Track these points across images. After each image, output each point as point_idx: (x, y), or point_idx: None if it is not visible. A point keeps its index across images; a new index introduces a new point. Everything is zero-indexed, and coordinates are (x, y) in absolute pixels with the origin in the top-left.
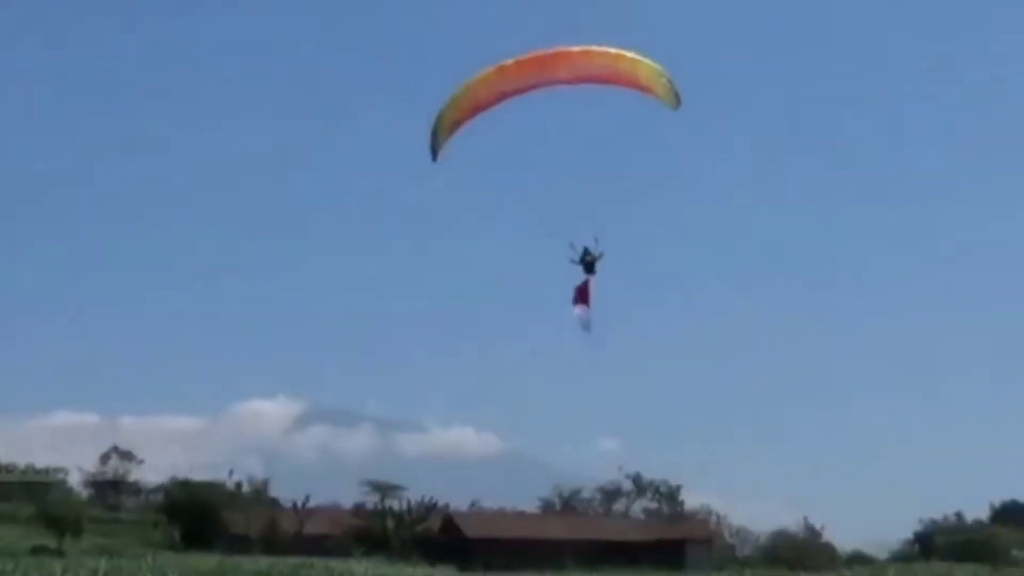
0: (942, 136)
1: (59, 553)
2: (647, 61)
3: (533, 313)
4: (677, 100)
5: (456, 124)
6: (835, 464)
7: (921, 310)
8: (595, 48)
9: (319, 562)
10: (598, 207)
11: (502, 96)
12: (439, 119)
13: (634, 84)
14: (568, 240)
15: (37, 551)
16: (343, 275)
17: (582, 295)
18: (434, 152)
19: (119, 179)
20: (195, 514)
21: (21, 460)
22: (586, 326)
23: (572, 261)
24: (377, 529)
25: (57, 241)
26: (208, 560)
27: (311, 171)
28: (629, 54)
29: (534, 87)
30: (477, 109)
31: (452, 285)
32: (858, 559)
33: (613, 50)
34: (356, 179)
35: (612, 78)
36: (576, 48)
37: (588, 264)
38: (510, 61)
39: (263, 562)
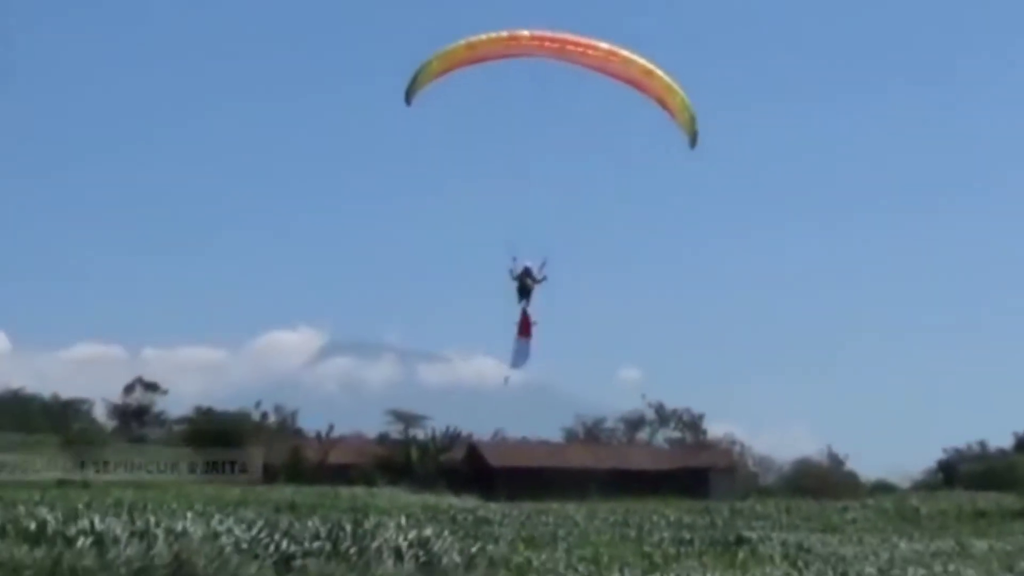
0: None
1: (84, 484)
2: (676, 88)
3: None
4: (694, 139)
5: (444, 72)
6: (859, 393)
7: (943, 238)
8: (624, 52)
9: (344, 491)
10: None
11: (505, 56)
12: (426, 65)
13: (657, 97)
14: (511, 254)
15: (62, 482)
16: (365, 206)
17: (523, 328)
18: (409, 95)
19: (141, 120)
20: (219, 444)
21: (46, 391)
22: (521, 360)
23: (511, 276)
24: (401, 459)
25: (79, 177)
26: (232, 490)
27: (336, 103)
28: (661, 73)
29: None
30: (470, 62)
31: (472, 217)
32: (881, 488)
33: (644, 61)
34: (381, 111)
35: (635, 82)
36: (604, 44)
37: (524, 289)
38: (525, 33)
39: (287, 491)
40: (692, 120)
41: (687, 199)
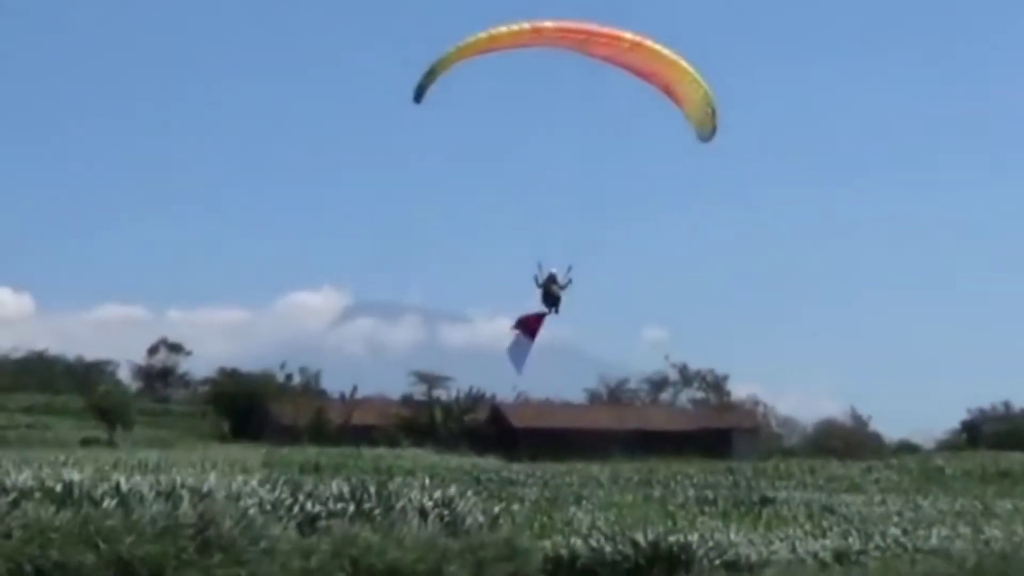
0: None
1: (109, 444)
2: (700, 82)
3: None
4: (712, 132)
5: (456, 61)
6: (883, 355)
7: (967, 197)
8: (649, 42)
9: (367, 452)
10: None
11: (519, 46)
12: (443, 58)
13: (673, 95)
14: (536, 260)
15: (87, 443)
16: (387, 168)
17: (530, 325)
18: (420, 91)
19: (164, 78)
20: (243, 405)
21: (70, 352)
22: (520, 360)
23: (536, 283)
24: (424, 420)
25: (102, 136)
26: (257, 450)
27: (357, 65)
28: (684, 65)
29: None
30: (484, 51)
31: (492, 177)
32: (905, 448)
33: (668, 52)
34: (408, 75)
35: (655, 78)
36: (628, 34)
37: (550, 296)
38: (550, 24)
39: (311, 452)
40: (713, 115)
41: (709, 159)
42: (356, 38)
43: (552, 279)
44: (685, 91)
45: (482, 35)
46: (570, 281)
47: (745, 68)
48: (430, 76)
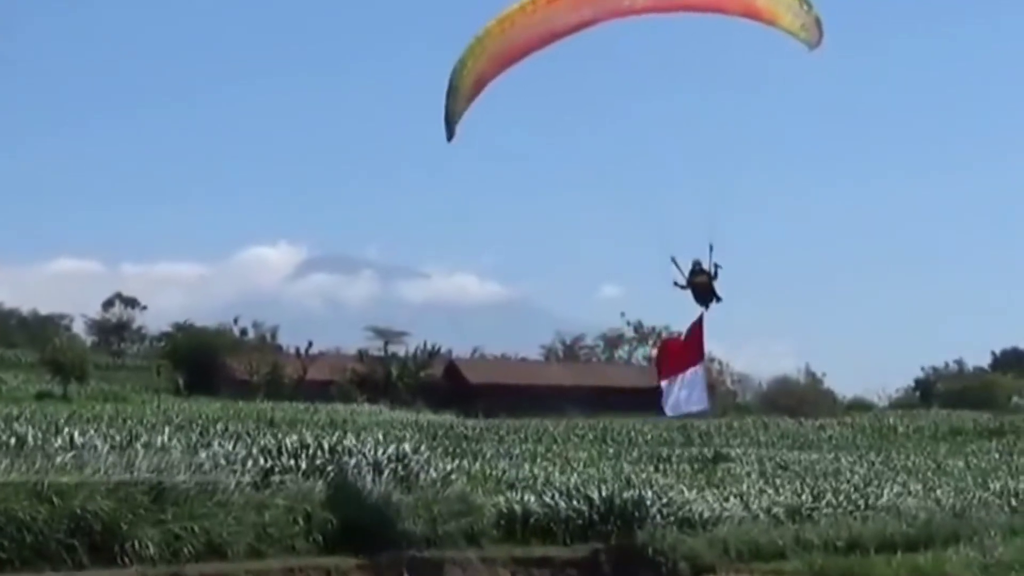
0: None
1: (64, 398)
2: None
3: (537, 160)
4: (818, 34)
5: (480, 85)
6: (838, 312)
7: (919, 156)
8: None
9: (323, 408)
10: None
11: (544, 40)
12: (455, 87)
13: (752, 13)
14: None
15: (42, 396)
16: (343, 119)
17: (682, 357)
18: (450, 127)
19: (131, 27)
20: (199, 360)
21: (25, 306)
22: (688, 404)
23: (676, 285)
24: (380, 375)
25: (55, 84)
26: (212, 405)
27: (318, 13)
28: None
29: (593, 21)
30: (510, 61)
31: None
32: (858, 406)
33: None
34: (374, 22)
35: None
36: None
37: (699, 287)
38: None
39: (266, 407)
40: (817, 21)
41: (673, 115)
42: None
43: (699, 269)
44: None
45: (481, 38)
46: (718, 266)
47: None
48: (451, 111)
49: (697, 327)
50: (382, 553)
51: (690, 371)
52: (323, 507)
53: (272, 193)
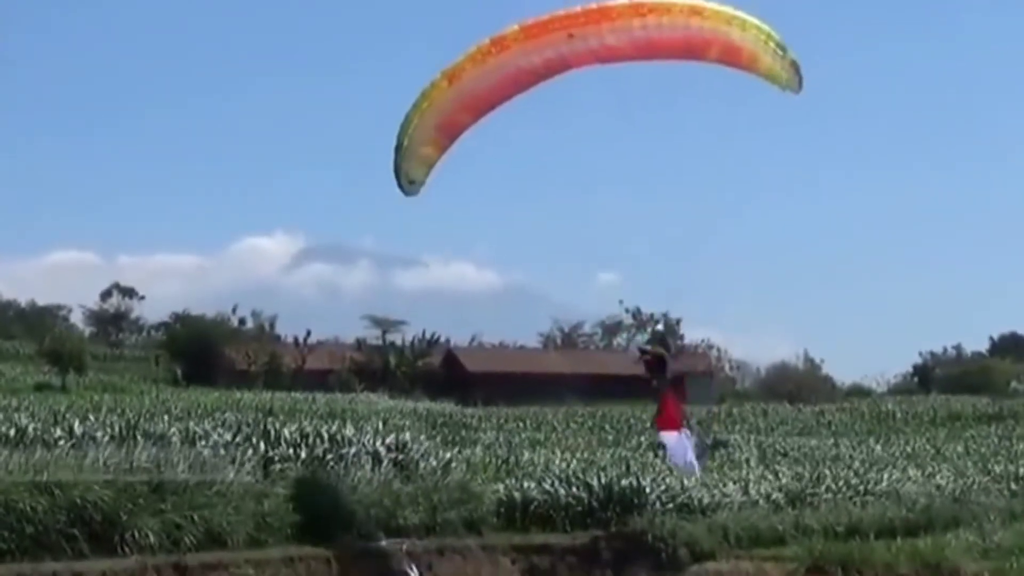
0: None
1: (63, 389)
2: (752, 20)
3: (530, 146)
4: (797, 78)
5: (443, 136)
6: (836, 298)
7: (916, 143)
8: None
9: (321, 397)
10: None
11: (506, 88)
12: (399, 145)
13: (730, 59)
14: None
15: (40, 387)
16: (339, 108)
17: (668, 418)
18: (400, 183)
19: (125, 19)
20: (197, 350)
21: (22, 297)
22: (684, 458)
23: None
24: (379, 364)
25: (51, 79)
26: (210, 395)
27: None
28: (722, 9)
29: (560, 67)
30: (471, 110)
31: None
32: (857, 392)
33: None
34: (368, 13)
35: (694, 50)
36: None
37: (653, 360)
38: (515, 28)
39: (265, 397)
40: (783, 51)
41: (667, 101)
42: None
43: (659, 336)
44: (745, 45)
45: (429, 93)
46: (671, 329)
47: None
48: (402, 173)
49: (667, 400)
50: (382, 542)
51: (675, 435)
52: (323, 497)
53: (268, 183)
